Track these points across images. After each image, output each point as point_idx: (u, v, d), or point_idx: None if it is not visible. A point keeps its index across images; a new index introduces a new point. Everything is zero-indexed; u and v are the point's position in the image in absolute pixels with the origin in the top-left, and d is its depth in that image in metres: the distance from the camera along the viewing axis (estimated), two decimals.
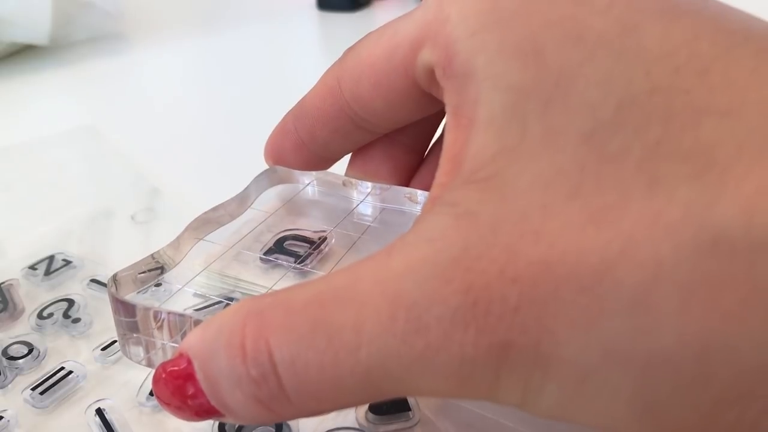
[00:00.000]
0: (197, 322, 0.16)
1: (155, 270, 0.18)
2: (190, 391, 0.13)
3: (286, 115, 0.20)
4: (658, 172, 0.11)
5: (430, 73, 0.15)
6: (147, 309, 0.16)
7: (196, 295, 0.19)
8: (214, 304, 0.18)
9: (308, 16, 0.59)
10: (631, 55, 0.12)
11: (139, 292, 0.18)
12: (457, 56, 0.13)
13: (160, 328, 0.16)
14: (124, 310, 0.16)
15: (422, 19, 0.15)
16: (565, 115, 0.12)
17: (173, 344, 0.16)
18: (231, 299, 0.18)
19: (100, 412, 0.18)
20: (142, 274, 0.18)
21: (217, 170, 0.33)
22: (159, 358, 0.17)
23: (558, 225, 0.11)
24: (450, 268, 0.12)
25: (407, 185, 0.21)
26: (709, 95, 0.11)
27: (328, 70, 0.18)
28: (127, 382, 0.19)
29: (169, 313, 0.16)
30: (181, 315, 0.16)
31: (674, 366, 0.11)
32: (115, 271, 0.17)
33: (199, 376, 0.13)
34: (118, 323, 0.17)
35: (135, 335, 0.17)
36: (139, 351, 0.17)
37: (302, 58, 0.51)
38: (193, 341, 0.14)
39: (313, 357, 0.12)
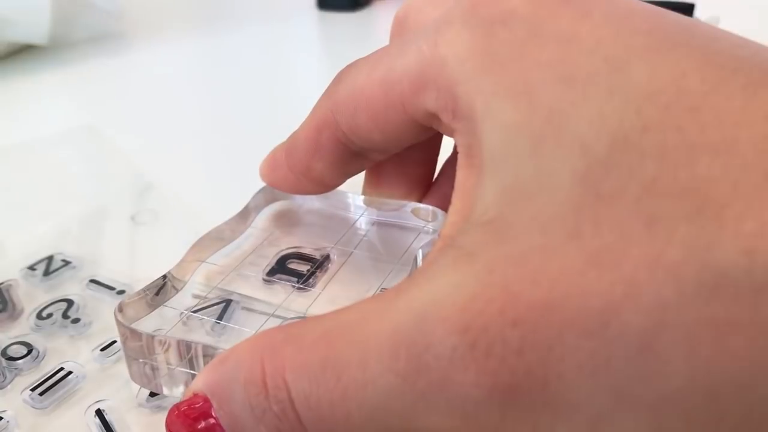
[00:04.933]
0: (205, 348, 0.16)
1: (161, 294, 0.18)
2: (207, 427, 0.14)
3: (275, 149, 0.20)
4: (655, 210, 0.11)
5: (434, 116, 0.15)
6: (153, 336, 0.16)
7: (195, 296, 0.19)
8: (213, 305, 0.18)
9: (308, 16, 0.59)
10: (621, 94, 0.12)
11: (146, 317, 0.18)
12: (460, 99, 0.14)
13: (167, 353, 0.16)
14: (132, 336, 0.17)
15: (418, 60, 0.15)
16: (558, 154, 0.12)
17: (181, 369, 0.16)
18: (229, 300, 0.18)
19: (99, 412, 0.18)
20: (149, 299, 0.18)
21: (218, 170, 0.33)
22: (167, 383, 0.17)
23: (558, 267, 0.11)
24: (446, 307, 0.12)
25: (425, 195, 0.21)
26: (701, 132, 0.11)
27: (318, 102, 0.18)
28: (127, 383, 0.19)
29: (177, 341, 0.16)
30: (188, 341, 0.16)
31: (686, 407, 0.11)
32: (111, 272, 0.17)
33: (218, 413, 0.14)
34: (125, 349, 0.17)
35: (142, 360, 0.17)
36: (147, 376, 0.17)
37: (302, 58, 0.51)
38: (209, 379, 0.14)
39: (324, 394, 0.13)
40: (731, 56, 0.12)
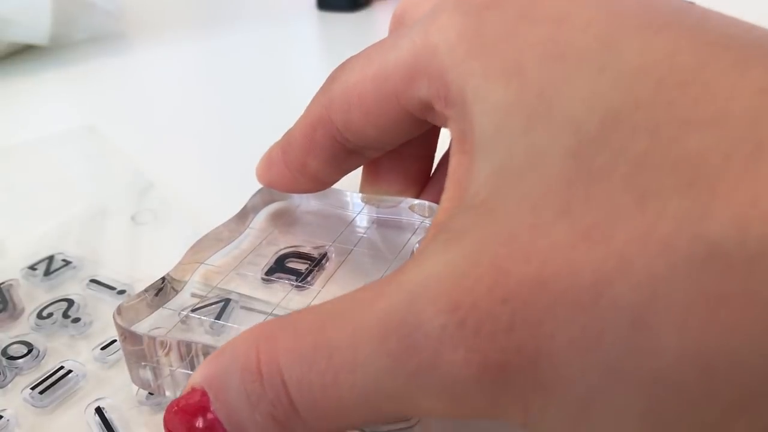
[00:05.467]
0: (204, 348, 0.16)
1: (160, 296, 0.18)
2: (206, 423, 0.14)
3: (271, 147, 0.20)
4: (647, 184, 0.11)
5: (427, 105, 0.15)
6: (153, 338, 0.16)
7: (194, 295, 0.19)
8: (212, 303, 0.18)
9: (308, 16, 0.59)
10: (612, 71, 0.12)
11: (145, 320, 0.18)
12: (451, 85, 0.14)
13: (168, 354, 0.16)
14: (131, 339, 0.17)
15: (410, 51, 0.15)
16: (549, 132, 0.12)
17: (182, 370, 0.17)
18: (228, 300, 0.19)
19: (99, 411, 0.18)
20: (148, 301, 0.18)
21: (218, 170, 0.33)
22: (168, 385, 0.17)
23: (548, 244, 0.11)
24: (435, 287, 0.12)
25: (422, 191, 0.21)
26: (693, 106, 0.11)
27: (313, 100, 0.18)
28: (127, 382, 0.19)
29: (177, 341, 0.16)
30: (188, 342, 0.16)
31: (680, 384, 0.10)
32: (111, 272, 0.17)
33: (215, 405, 0.14)
34: (126, 352, 0.17)
35: (143, 363, 0.17)
36: (149, 378, 0.17)
37: (302, 59, 0.51)
38: (205, 372, 0.14)
39: (316, 377, 0.13)
40: (723, 34, 0.12)
